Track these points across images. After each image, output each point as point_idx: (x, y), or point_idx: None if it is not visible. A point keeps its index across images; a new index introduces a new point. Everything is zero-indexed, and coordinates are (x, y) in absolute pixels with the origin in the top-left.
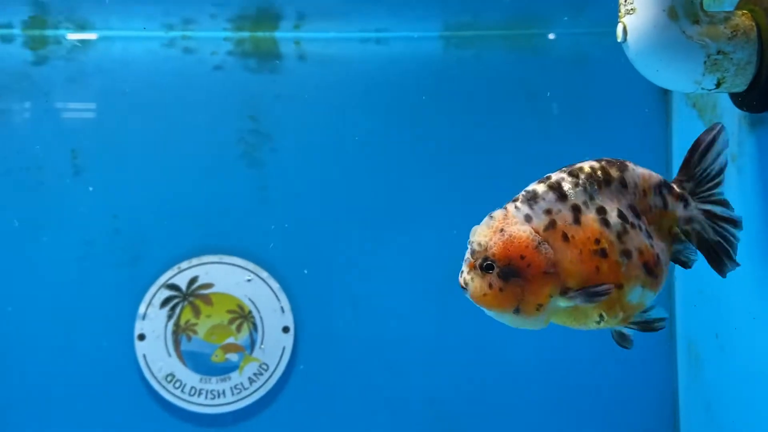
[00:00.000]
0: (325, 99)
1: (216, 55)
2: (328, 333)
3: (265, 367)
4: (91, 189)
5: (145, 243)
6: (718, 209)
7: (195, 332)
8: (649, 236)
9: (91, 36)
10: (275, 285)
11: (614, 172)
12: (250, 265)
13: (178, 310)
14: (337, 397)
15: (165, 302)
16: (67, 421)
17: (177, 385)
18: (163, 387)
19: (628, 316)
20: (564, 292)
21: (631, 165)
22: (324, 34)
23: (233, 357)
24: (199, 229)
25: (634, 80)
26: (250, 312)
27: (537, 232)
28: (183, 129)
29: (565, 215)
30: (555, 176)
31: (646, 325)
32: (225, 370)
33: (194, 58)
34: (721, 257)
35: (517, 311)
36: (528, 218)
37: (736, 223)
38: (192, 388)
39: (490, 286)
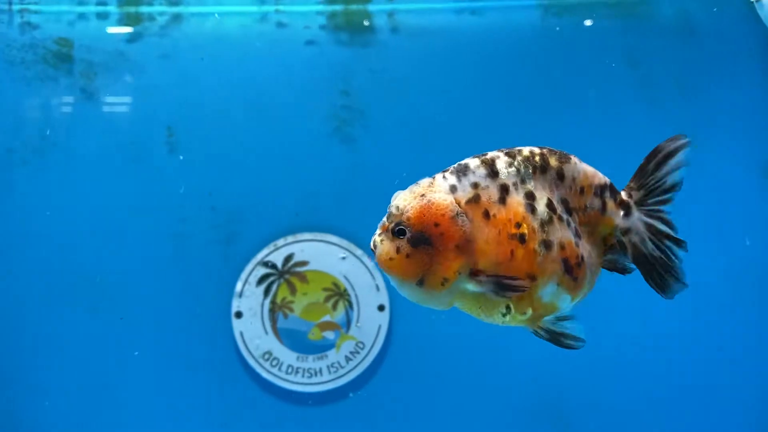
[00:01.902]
0: (418, 72)
1: (308, 30)
2: (424, 311)
3: (361, 345)
4: (181, 158)
5: (240, 220)
6: (661, 226)
7: (291, 310)
8: (577, 235)
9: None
10: (370, 263)
11: (553, 162)
12: (345, 243)
13: (274, 288)
14: (433, 376)
15: (261, 280)
16: (165, 398)
17: (274, 363)
18: (261, 365)
19: (538, 316)
20: (474, 273)
21: (575, 159)
22: (418, 5)
23: (330, 335)
24: (294, 207)
25: (745, 48)
26: (345, 290)
27: (458, 203)
28: (276, 105)
29: (491, 192)
30: (491, 154)
31: (557, 337)
32: (322, 348)
33: (286, 32)
34: (662, 274)
35: (420, 283)
36: (453, 189)
37: (678, 242)
38: (289, 366)
39: (398, 250)
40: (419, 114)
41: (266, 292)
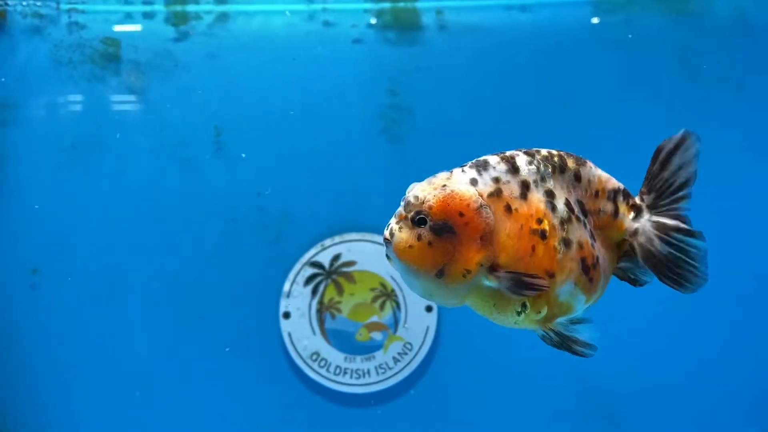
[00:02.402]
0: (466, 71)
1: (356, 28)
2: (472, 312)
3: (409, 346)
4: (243, 155)
5: (288, 220)
6: (670, 222)
7: (339, 310)
8: (593, 237)
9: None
10: None
11: (571, 163)
12: None
13: (321, 288)
14: (481, 377)
15: (309, 280)
16: (214, 398)
17: (322, 363)
18: (309, 366)
19: (552, 316)
20: (494, 268)
21: (590, 163)
22: (467, 2)
23: (377, 336)
24: (341, 207)
25: None
26: (392, 290)
27: (481, 196)
28: (323, 104)
29: (512, 187)
30: (510, 152)
31: (567, 342)
32: (369, 349)
33: (334, 31)
34: (674, 270)
35: (440, 273)
36: (474, 182)
37: (692, 233)
38: (337, 367)
39: (419, 238)
40: (467, 113)
41: (314, 292)
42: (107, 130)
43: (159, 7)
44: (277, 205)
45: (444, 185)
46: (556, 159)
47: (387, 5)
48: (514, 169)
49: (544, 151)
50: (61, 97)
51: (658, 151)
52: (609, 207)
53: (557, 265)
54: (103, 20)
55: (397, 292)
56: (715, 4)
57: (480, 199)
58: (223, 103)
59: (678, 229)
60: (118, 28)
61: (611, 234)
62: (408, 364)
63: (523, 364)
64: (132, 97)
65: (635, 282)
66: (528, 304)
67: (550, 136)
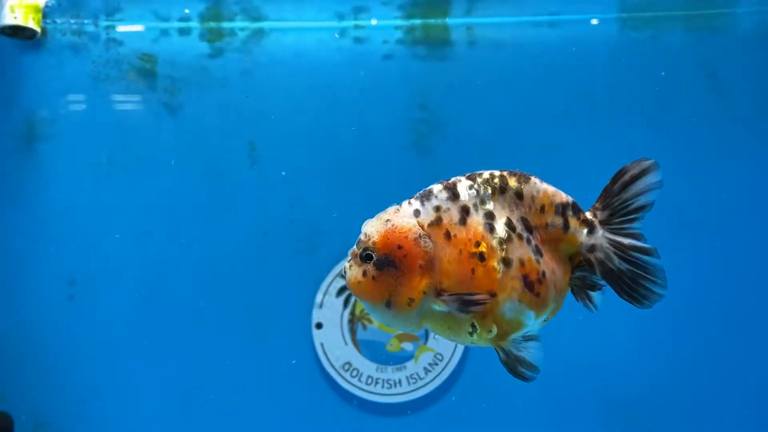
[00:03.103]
0: (496, 85)
1: (386, 44)
2: None
3: (439, 357)
4: (283, 174)
5: (320, 232)
6: (626, 240)
7: (370, 321)
8: (538, 252)
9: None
10: None
11: (513, 182)
12: None
13: (353, 299)
14: (512, 389)
15: (341, 291)
16: (248, 408)
17: (354, 373)
18: (341, 375)
19: (504, 334)
20: (439, 293)
21: (535, 180)
22: (496, 18)
23: (408, 346)
24: (372, 218)
25: None
26: None
27: (422, 226)
28: (354, 119)
29: (452, 214)
30: (454, 179)
31: (514, 364)
32: (401, 359)
33: (365, 47)
34: (632, 287)
35: (388, 304)
36: (417, 213)
37: (648, 251)
38: (369, 377)
39: (365, 273)
40: (497, 127)
41: (345, 303)
42: (143, 144)
43: (194, 24)
44: (309, 218)
45: (388, 220)
46: (496, 180)
47: (418, 21)
48: (454, 196)
49: (486, 174)
50: (99, 112)
51: (622, 172)
52: (558, 220)
53: (498, 285)
54: (140, 37)
55: None
56: (741, 20)
57: (419, 230)
58: (257, 118)
59: (635, 248)
60: (154, 44)
61: (562, 247)
62: (439, 374)
63: (551, 373)
64: (168, 112)
65: (593, 287)
66: (477, 324)
67: (576, 150)
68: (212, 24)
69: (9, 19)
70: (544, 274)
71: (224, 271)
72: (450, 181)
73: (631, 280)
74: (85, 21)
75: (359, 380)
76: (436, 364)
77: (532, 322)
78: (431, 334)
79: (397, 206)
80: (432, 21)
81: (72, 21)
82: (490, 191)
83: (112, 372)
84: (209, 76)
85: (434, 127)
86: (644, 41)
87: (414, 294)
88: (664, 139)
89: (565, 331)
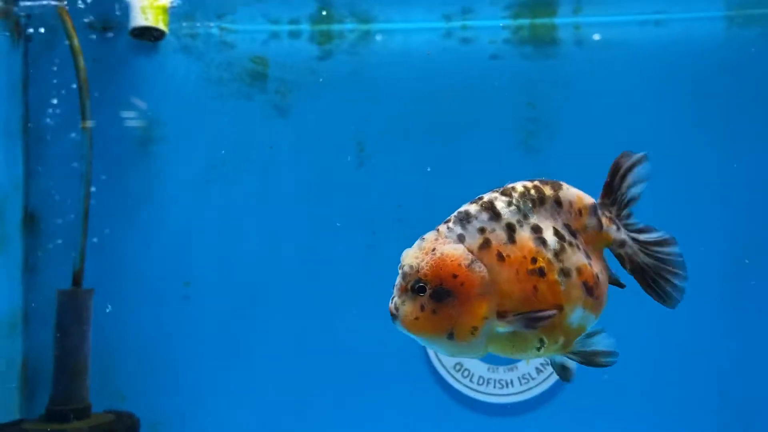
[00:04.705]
0: (603, 84)
1: (493, 44)
2: (616, 323)
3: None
4: (376, 169)
5: (427, 231)
6: (642, 236)
7: None
8: (588, 256)
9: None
10: None
11: (548, 191)
12: None
13: None
14: (624, 389)
15: None
16: (359, 407)
17: (465, 374)
18: (452, 376)
19: (569, 342)
20: (502, 315)
21: (565, 185)
22: (603, 17)
23: None
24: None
25: None
26: None
27: (471, 251)
28: (462, 118)
29: (499, 234)
30: (487, 196)
31: (590, 359)
32: (512, 359)
33: (471, 48)
34: (656, 281)
35: (450, 336)
36: (461, 238)
37: (667, 242)
38: (480, 377)
39: (422, 308)
40: (604, 125)
41: None
42: (254, 146)
43: (305, 27)
44: (416, 217)
45: (434, 249)
46: (533, 191)
47: (525, 21)
48: (495, 215)
49: (519, 187)
50: (211, 114)
51: (617, 166)
52: (594, 222)
53: (563, 297)
54: (251, 39)
55: None
56: None
57: (470, 256)
58: (366, 118)
59: (656, 242)
60: (265, 47)
61: (599, 245)
62: (551, 374)
63: (664, 375)
64: (278, 114)
65: (615, 283)
66: (545, 338)
67: (684, 148)
68: (322, 27)
69: (141, 21)
70: (597, 276)
71: (333, 270)
72: (485, 200)
73: (655, 274)
74: (198, 24)
75: (470, 381)
76: (548, 365)
77: (592, 323)
78: None
79: (435, 232)
80: (539, 21)
81: (185, 24)
82: (530, 204)
83: (225, 370)
84: (318, 77)
85: (542, 126)
86: (752, 39)
87: (476, 322)
88: None
89: (678, 328)
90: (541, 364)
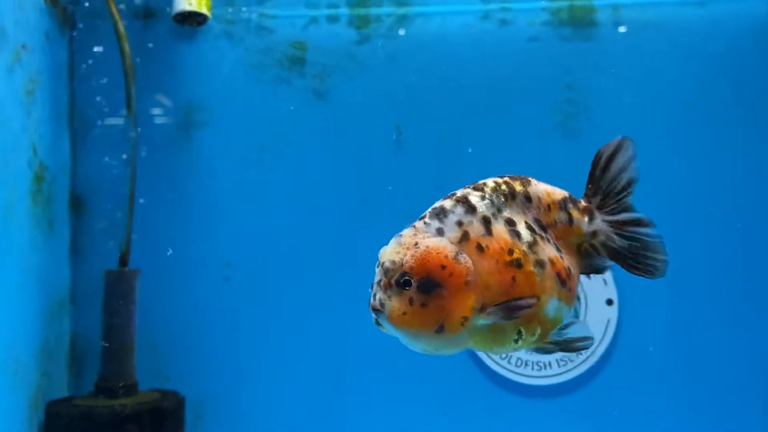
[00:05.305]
0: (642, 66)
1: (532, 26)
2: (654, 305)
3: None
4: (414, 153)
5: None
6: (619, 216)
7: None
8: (558, 249)
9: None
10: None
11: (518, 187)
12: None
13: None
14: (664, 371)
15: None
16: (397, 388)
17: (504, 355)
18: (490, 357)
19: (546, 333)
20: (483, 307)
21: (533, 180)
22: None
23: None
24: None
25: None
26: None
27: (452, 243)
28: (500, 101)
29: (476, 227)
30: (460, 192)
31: (567, 345)
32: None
33: (509, 29)
34: (638, 259)
35: (440, 329)
36: (440, 231)
37: (642, 222)
38: (518, 359)
39: (410, 302)
40: (643, 108)
41: None
42: (293, 130)
43: (343, 11)
44: None
45: (416, 243)
46: (504, 187)
47: (564, 3)
48: (471, 209)
49: (490, 183)
50: (251, 99)
51: (598, 156)
52: (563, 216)
53: (539, 288)
54: (290, 25)
55: None
56: None
57: (455, 247)
58: (404, 102)
59: (630, 222)
60: (304, 32)
61: (571, 239)
62: (589, 356)
63: (706, 357)
64: (317, 98)
65: (600, 270)
66: (522, 330)
67: (724, 131)
68: (360, 11)
69: (185, 5)
70: (569, 269)
71: (372, 253)
72: (458, 195)
73: (634, 254)
74: (238, 9)
75: (509, 362)
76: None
77: (566, 316)
78: (581, 316)
79: (412, 228)
80: (578, 2)
81: (226, 10)
82: (503, 199)
83: (266, 350)
84: (356, 61)
85: (581, 108)
86: None
87: (467, 312)
88: None
89: (720, 320)
90: None
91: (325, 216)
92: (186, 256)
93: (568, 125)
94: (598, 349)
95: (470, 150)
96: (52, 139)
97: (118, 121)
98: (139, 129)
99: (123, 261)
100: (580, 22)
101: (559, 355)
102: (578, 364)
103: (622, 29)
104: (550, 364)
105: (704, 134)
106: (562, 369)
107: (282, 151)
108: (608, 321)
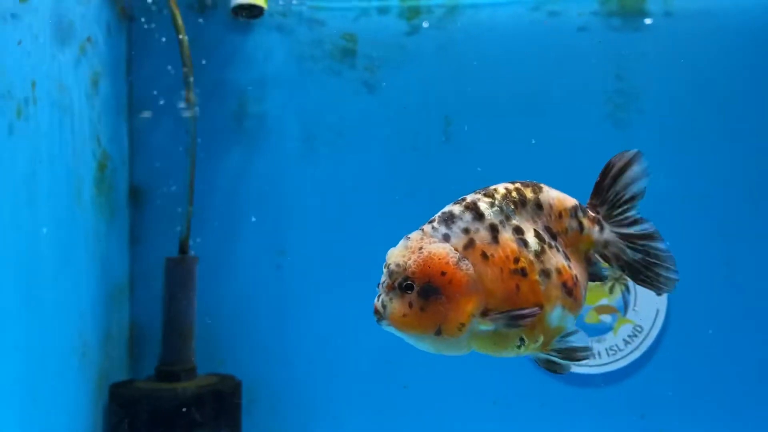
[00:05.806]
0: (693, 55)
1: (581, 16)
2: (703, 296)
3: (639, 329)
4: (463, 144)
5: None
6: (630, 230)
7: None
8: (567, 258)
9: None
10: None
11: (529, 194)
12: None
13: None
14: (713, 361)
15: None
16: (445, 374)
17: None
18: None
19: (549, 341)
20: (485, 313)
21: (545, 187)
22: None
23: (607, 318)
24: (567, 191)
25: None
26: (621, 274)
27: (456, 250)
28: (549, 91)
29: (483, 234)
30: (470, 197)
31: (568, 354)
32: (600, 331)
33: (559, 20)
34: (648, 274)
35: (438, 332)
36: (446, 237)
37: (653, 236)
38: None
39: (410, 305)
40: (694, 98)
41: None
42: (344, 121)
43: (393, 2)
44: None
45: (420, 247)
46: (514, 194)
47: None
48: (479, 216)
49: (501, 189)
50: (303, 90)
51: (609, 166)
52: (574, 224)
53: (543, 297)
54: (341, 17)
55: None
56: None
57: (457, 254)
58: (453, 93)
59: (642, 236)
60: (354, 24)
61: (580, 247)
62: (638, 346)
63: (753, 349)
64: (367, 90)
65: (601, 279)
66: (525, 337)
67: None
68: (410, 2)
69: None
70: (576, 277)
71: None
72: (468, 201)
73: (646, 268)
74: (293, 1)
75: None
76: (636, 336)
77: (571, 324)
78: (631, 305)
79: (420, 232)
80: None
81: (281, 2)
82: (512, 206)
83: (317, 336)
84: (406, 53)
85: (631, 99)
86: None
87: (463, 318)
88: None
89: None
90: (629, 336)
91: (375, 207)
92: (242, 245)
93: (617, 116)
94: (647, 339)
95: (519, 142)
96: (113, 129)
97: (176, 112)
98: (196, 119)
99: (183, 248)
100: (630, 12)
101: (608, 344)
102: (628, 353)
103: (671, 18)
104: (599, 353)
105: (754, 123)
106: (612, 358)
107: (333, 142)
108: (657, 311)
